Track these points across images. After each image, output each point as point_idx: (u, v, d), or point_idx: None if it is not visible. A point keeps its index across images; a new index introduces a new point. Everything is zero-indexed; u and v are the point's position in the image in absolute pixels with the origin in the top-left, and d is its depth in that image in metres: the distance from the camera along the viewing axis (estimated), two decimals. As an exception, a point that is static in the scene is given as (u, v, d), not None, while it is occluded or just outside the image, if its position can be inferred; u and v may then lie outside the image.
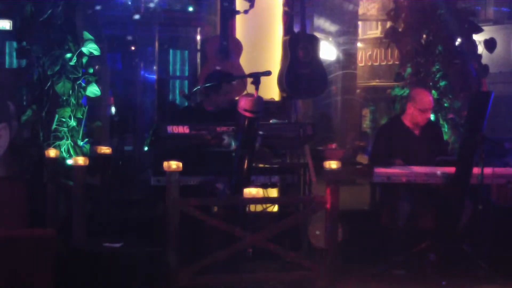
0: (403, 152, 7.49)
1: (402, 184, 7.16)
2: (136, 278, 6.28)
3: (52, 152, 7.28)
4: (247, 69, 8.08)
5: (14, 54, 8.39)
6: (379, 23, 14.83)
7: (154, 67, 10.62)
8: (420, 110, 7.57)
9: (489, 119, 7.04)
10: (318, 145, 9.10)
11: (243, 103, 6.40)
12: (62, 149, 7.66)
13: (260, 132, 6.63)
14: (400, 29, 9.24)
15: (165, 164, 6.33)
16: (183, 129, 6.74)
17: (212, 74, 7.67)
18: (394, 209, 7.35)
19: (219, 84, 7.26)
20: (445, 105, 8.91)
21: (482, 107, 7.02)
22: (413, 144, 7.59)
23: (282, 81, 8.40)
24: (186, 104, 8.16)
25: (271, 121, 7.42)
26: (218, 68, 8.10)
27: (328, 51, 13.09)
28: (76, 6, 7.77)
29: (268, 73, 6.76)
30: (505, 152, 7.78)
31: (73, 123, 7.73)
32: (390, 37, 9.34)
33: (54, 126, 7.70)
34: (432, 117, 8.31)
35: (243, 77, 7.59)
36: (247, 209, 7.14)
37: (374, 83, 15.26)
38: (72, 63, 7.69)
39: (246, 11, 8.53)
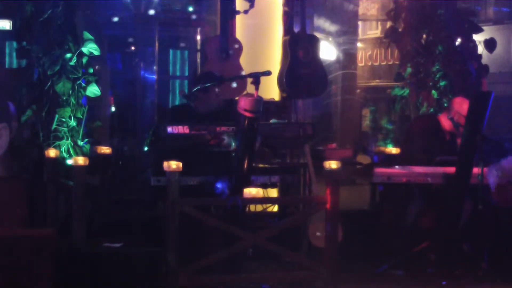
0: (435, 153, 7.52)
1: (414, 184, 7.18)
2: (136, 278, 6.28)
3: (52, 152, 7.28)
4: (247, 69, 8.08)
5: (14, 54, 8.37)
6: (379, 23, 14.84)
7: (154, 67, 10.61)
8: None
9: (489, 119, 7.04)
10: (318, 145, 9.09)
11: (243, 103, 6.40)
12: (62, 149, 7.65)
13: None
14: (400, 29, 9.25)
15: (165, 164, 6.33)
16: (183, 129, 6.74)
17: (202, 75, 7.66)
18: (404, 209, 7.36)
19: (213, 85, 7.22)
20: (445, 105, 8.90)
21: (482, 107, 7.03)
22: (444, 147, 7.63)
23: (282, 81, 8.40)
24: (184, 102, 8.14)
25: (271, 121, 7.42)
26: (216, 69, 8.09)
27: (328, 51, 13.08)
28: (76, 6, 7.77)
29: (268, 73, 6.76)
30: (505, 152, 7.77)
31: (73, 123, 7.73)
32: (390, 37, 9.35)
33: (54, 126, 7.70)
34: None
35: (243, 77, 7.59)
36: (247, 209, 7.14)
37: (374, 83, 15.26)
38: (72, 63, 7.69)
39: (246, 11, 8.53)
